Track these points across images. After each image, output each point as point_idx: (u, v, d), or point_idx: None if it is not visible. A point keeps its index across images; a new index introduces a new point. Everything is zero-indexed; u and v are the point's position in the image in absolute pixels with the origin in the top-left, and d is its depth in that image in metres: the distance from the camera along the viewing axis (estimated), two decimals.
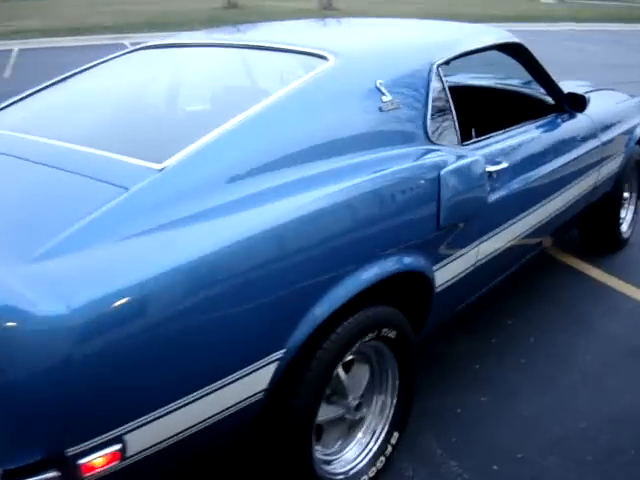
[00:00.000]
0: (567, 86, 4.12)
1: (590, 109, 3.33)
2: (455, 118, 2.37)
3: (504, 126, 2.77)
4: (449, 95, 2.37)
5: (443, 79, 2.36)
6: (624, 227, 4.07)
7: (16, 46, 14.22)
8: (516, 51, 2.90)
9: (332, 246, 1.79)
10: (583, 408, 2.57)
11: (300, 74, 2.08)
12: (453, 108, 2.37)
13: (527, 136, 2.73)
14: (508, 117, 2.98)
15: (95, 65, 2.59)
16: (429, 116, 2.21)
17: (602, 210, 3.75)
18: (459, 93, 3.42)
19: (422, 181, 2.05)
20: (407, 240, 2.02)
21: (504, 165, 2.43)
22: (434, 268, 2.16)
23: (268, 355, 1.67)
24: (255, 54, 2.35)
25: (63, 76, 2.56)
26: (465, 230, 2.28)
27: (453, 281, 2.31)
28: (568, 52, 13.11)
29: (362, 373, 2.09)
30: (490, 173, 2.34)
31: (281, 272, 1.66)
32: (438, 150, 2.19)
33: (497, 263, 2.59)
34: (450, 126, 2.35)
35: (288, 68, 2.24)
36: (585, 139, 3.19)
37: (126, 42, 12.50)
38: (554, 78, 3.06)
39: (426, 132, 2.19)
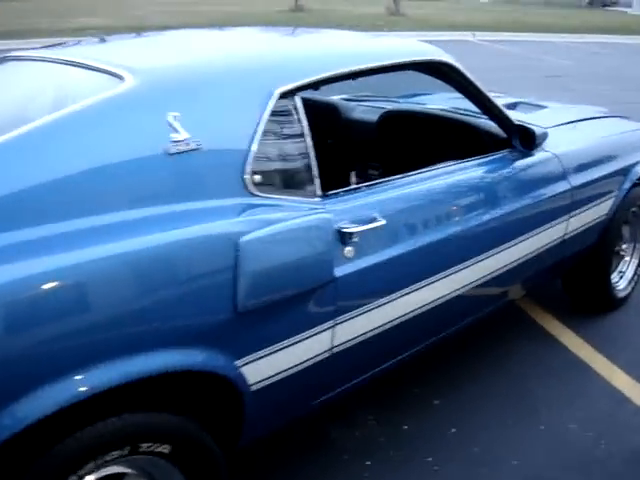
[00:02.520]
0: (563, 111, 3.52)
1: (560, 145, 2.72)
2: (312, 161, 1.82)
3: (425, 165, 2.22)
4: (306, 131, 1.83)
5: (298, 110, 1.83)
6: (622, 284, 3.37)
7: None
8: (443, 72, 2.32)
9: (45, 338, 1.32)
10: None
11: (78, 99, 1.61)
12: (311, 148, 1.83)
13: (438, 182, 2.15)
14: (439, 154, 2.42)
15: None
16: (253, 160, 1.67)
17: (588, 264, 3.09)
18: (388, 123, 2.86)
19: (208, 250, 1.54)
20: (179, 330, 1.51)
21: (379, 223, 1.87)
22: (239, 363, 1.64)
23: None
24: (61, 71, 1.88)
25: None
26: (302, 310, 1.75)
27: (287, 374, 1.77)
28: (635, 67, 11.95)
29: None
30: (350, 234, 1.80)
31: None
32: (256, 206, 1.66)
33: (382, 344, 2.03)
34: (301, 172, 1.81)
35: (73, 90, 1.76)
36: (543, 183, 2.56)
37: None
38: (499, 105, 2.45)
39: (243, 181, 1.66)
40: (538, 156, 2.56)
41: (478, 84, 2.36)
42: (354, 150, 2.99)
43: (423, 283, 2.05)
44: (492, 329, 3.05)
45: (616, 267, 3.37)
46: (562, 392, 2.68)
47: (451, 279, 2.15)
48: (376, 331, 1.95)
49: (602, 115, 3.54)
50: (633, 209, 3.28)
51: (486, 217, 2.23)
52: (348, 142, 3.01)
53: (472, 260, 2.21)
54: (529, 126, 2.43)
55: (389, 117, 2.86)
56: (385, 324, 1.97)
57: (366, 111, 3.08)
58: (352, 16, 18.30)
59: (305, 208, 1.75)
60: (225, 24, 14.86)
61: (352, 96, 3.40)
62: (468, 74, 2.33)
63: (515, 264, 2.45)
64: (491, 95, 2.42)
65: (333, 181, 2.28)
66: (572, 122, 3.11)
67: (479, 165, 2.34)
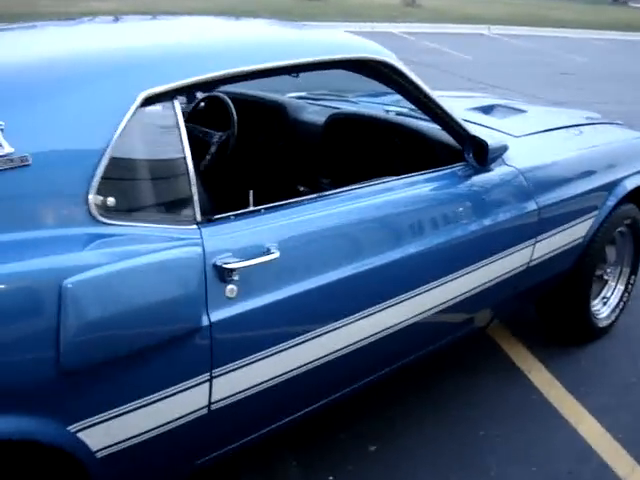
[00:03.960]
0: (544, 116, 3.19)
1: (527, 158, 2.38)
2: (191, 180, 1.50)
3: (366, 179, 1.90)
4: (185, 143, 1.51)
5: (175, 117, 1.51)
6: (604, 311, 3.02)
7: None
8: (381, 73, 1.96)
9: None
10: None
11: None
12: (190, 164, 1.51)
13: (360, 204, 1.81)
14: (384, 167, 2.10)
15: None
16: (102, 180, 1.35)
17: (564, 289, 2.74)
18: (335, 128, 2.52)
19: (21, 295, 1.23)
20: None
21: (272, 256, 1.55)
22: (73, 428, 1.33)
23: None
24: None
25: None
26: (165, 362, 1.44)
27: (151, 435, 1.46)
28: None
29: None
30: (230, 271, 1.48)
31: None
32: (102, 236, 1.34)
33: (280, 396, 1.70)
34: (173, 193, 1.50)
35: None
36: (501, 203, 2.21)
37: None
38: (452, 112, 2.09)
39: (87, 206, 1.34)
40: (496, 172, 2.21)
41: (425, 88, 2.01)
42: (299, 157, 2.67)
43: (336, 325, 1.72)
44: (452, 360, 2.71)
45: (599, 293, 3.02)
46: (519, 441, 2.34)
47: (374, 319, 1.81)
48: (269, 383, 1.63)
49: (590, 122, 3.18)
50: (620, 229, 2.92)
51: (418, 246, 1.88)
52: (293, 147, 2.69)
53: (401, 297, 1.86)
54: (482, 138, 2.07)
55: (336, 120, 2.53)
56: (281, 375, 1.65)
57: (318, 112, 2.75)
58: (367, 6, 17.88)
59: (173, 238, 1.44)
60: (232, 12, 14.55)
61: (309, 94, 3.08)
62: (413, 76, 1.98)
63: (462, 298, 2.11)
64: (440, 99, 2.06)
65: (271, 192, 1.96)
66: (550, 130, 2.75)
67: (418, 182, 1.99)
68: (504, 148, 2.15)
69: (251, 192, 1.65)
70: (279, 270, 1.57)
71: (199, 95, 2.92)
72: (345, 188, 1.82)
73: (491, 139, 2.10)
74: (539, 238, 2.38)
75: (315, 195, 1.74)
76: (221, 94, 2.75)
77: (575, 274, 2.70)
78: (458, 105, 3.15)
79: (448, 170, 2.11)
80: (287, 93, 3.12)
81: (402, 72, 1.95)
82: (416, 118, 2.47)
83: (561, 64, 11.17)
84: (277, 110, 2.75)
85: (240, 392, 1.59)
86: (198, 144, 2.66)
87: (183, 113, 2.79)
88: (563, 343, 2.93)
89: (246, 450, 1.93)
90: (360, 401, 2.35)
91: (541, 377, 2.72)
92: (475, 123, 2.66)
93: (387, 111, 2.67)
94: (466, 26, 15.05)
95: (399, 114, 2.60)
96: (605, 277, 3.01)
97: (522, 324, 3.06)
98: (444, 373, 2.66)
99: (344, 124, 2.51)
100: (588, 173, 2.61)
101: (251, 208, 1.64)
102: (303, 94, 3.07)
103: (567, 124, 2.94)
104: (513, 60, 11.35)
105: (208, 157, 2.61)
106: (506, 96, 6.51)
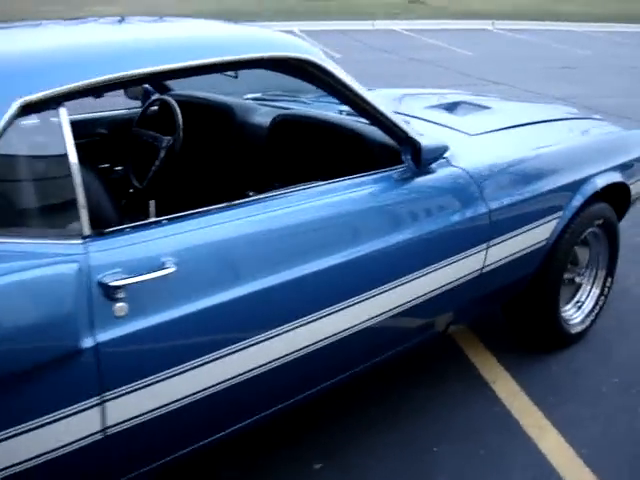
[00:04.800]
0: (511, 113, 3.07)
1: (477, 158, 2.26)
2: (77, 190, 1.39)
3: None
4: (70, 152, 1.39)
5: (60, 125, 1.40)
6: (578, 317, 2.88)
7: None
8: (306, 73, 1.84)
9: None
10: None
11: None
12: (76, 173, 1.40)
13: (276, 212, 1.70)
14: (325, 171, 1.99)
15: None
16: None
17: (531, 294, 2.61)
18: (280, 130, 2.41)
19: None
20: None
21: (167, 270, 1.44)
22: None
23: None
24: None
25: None
26: (45, 387, 1.34)
27: (35, 464, 1.37)
28: None
29: None
30: (116, 288, 1.38)
31: None
32: None
33: (190, 417, 1.60)
34: (56, 205, 1.40)
35: None
36: (444, 207, 2.08)
37: None
38: (387, 112, 1.96)
39: None
40: (439, 173, 2.08)
41: (354, 87, 1.88)
42: (247, 161, 2.57)
43: (246, 343, 1.60)
44: (409, 369, 2.60)
45: (572, 297, 2.89)
46: (474, 459, 2.20)
47: (290, 335, 1.69)
48: (174, 405, 1.53)
49: (563, 117, 3.04)
50: (591, 229, 2.78)
51: (342, 256, 1.76)
52: (242, 151, 2.59)
53: (317, 313, 1.73)
54: (415, 138, 1.95)
55: (281, 122, 2.42)
56: (186, 397, 1.54)
57: (268, 114, 2.64)
58: (371, 4, 17.76)
59: (53, 254, 1.33)
60: (234, 14, 14.47)
61: (264, 95, 2.97)
62: (341, 75, 1.84)
63: (407, 306, 1.99)
64: (373, 98, 1.93)
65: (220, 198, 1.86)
66: (512, 127, 2.62)
67: (346, 187, 1.86)
68: (443, 149, 2.02)
69: (152, 202, 1.55)
70: (176, 286, 1.47)
71: (152, 98, 2.84)
72: (262, 195, 1.71)
73: (428, 139, 1.97)
74: (492, 242, 2.25)
75: (224, 204, 1.63)
76: (169, 98, 2.66)
77: (541, 278, 2.57)
78: (423, 102, 3.05)
79: (384, 173, 1.99)
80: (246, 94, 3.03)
81: (327, 70, 1.83)
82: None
83: (562, 58, 10.99)
84: (225, 113, 2.65)
85: (140, 415, 1.49)
86: (148, 149, 2.59)
87: (133, 118, 2.79)
88: (532, 350, 2.80)
89: (170, 472, 1.84)
90: (304, 415, 2.25)
91: (507, 387, 2.59)
92: (431, 122, 2.56)
93: (340, 111, 2.56)
94: (470, 22, 14.89)
95: (350, 114, 2.48)
96: (578, 280, 2.88)
97: (490, 330, 2.94)
98: (399, 384, 2.55)
99: (288, 126, 2.40)
100: (549, 172, 2.47)
101: (151, 219, 1.54)
102: (258, 95, 2.97)
103: (534, 120, 2.81)
104: (514, 55, 11.19)
105: (157, 162, 2.53)
106: (503, 92, 6.38)
